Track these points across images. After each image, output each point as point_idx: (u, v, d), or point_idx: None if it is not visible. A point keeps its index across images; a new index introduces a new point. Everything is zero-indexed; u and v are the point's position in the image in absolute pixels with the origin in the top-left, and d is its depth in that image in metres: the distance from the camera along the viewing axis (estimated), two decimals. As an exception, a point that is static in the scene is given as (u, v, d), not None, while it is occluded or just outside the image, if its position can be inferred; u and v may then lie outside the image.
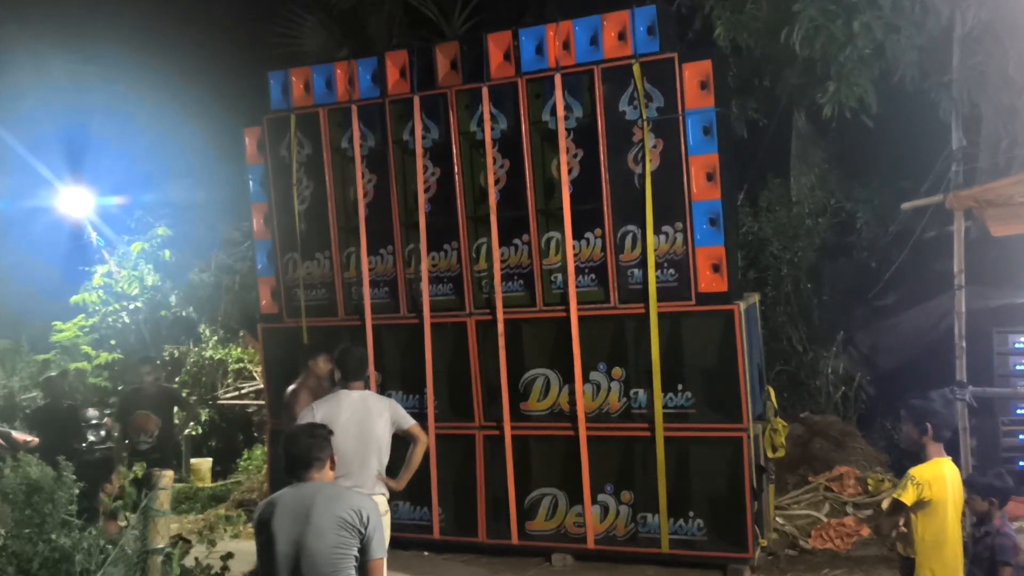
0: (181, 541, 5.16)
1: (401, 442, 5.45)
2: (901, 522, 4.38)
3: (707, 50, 7.51)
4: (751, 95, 10.79)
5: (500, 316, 7.03)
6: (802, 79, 9.60)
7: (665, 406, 6.58)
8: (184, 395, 10.03)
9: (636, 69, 6.58)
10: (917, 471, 4.22)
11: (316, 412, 5.19)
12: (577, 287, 6.83)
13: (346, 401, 5.29)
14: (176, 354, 10.70)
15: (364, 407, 5.25)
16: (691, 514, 6.56)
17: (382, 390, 7.44)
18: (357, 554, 3.65)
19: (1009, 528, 4.65)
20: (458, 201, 7.18)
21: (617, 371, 6.77)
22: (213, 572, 5.09)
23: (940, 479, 4.17)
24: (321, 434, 3.85)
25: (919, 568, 4.23)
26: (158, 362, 8.78)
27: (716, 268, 6.46)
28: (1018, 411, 7.95)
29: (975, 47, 8.06)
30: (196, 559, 5.15)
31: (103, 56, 12.45)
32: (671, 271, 6.57)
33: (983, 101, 8.23)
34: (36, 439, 7.64)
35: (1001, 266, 8.23)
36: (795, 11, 7.72)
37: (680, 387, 6.57)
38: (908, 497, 4.17)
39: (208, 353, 10.46)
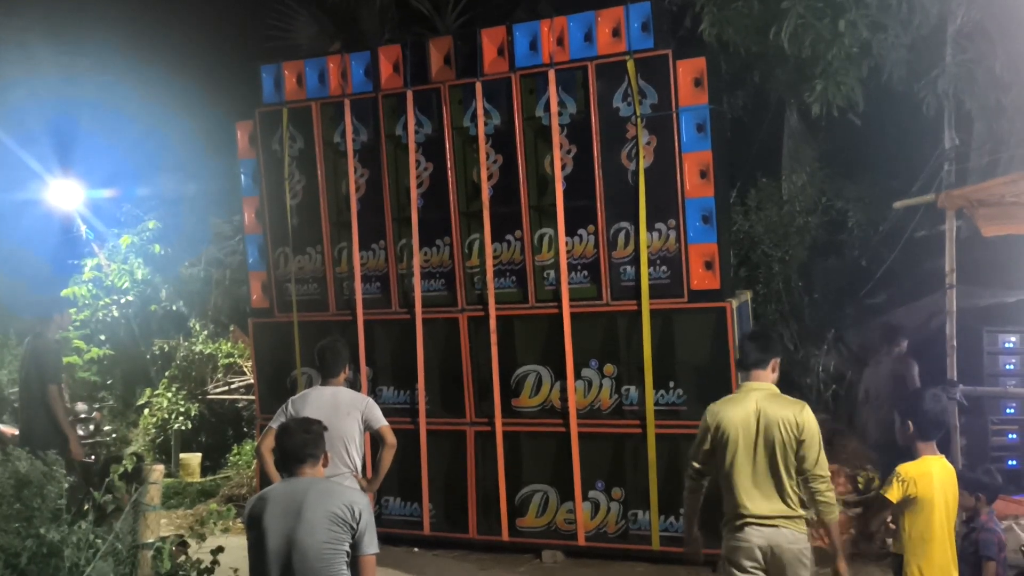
0: (177, 539, 5.15)
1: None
2: (888, 519, 4.39)
3: (700, 47, 7.52)
4: (740, 93, 10.81)
5: (492, 312, 7.02)
6: (792, 77, 9.62)
7: (657, 403, 6.59)
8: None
9: (630, 65, 6.57)
10: (903, 468, 4.22)
11: (288, 407, 5.23)
12: (569, 284, 6.82)
13: (314, 396, 5.32)
14: (166, 348, 10.64)
15: (332, 403, 5.24)
16: (682, 511, 6.55)
17: (373, 386, 7.44)
18: (349, 549, 3.64)
19: (995, 524, 4.67)
20: (451, 196, 7.17)
21: (609, 368, 6.77)
22: (203, 567, 5.08)
23: (926, 476, 4.17)
24: (316, 430, 3.84)
25: (906, 565, 4.24)
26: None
27: (709, 265, 6.47)
28: (1007, 410, 8.00)
29: (965, 44, 8.09)
30: (186, 554, 5.14)
31: (93, 48, 12.37)
32: (664, 268, 6.58)
33: (971, 99, 8.26)
34: (24, 433, 7.58)
35: (991, 266, 8.27)
36: (784, 8, 7.74)
37: (672, 384, 6.58)
38: (893, 494, 4.18)
39: (198, 348, 10.40)
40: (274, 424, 5.06)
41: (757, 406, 4.27)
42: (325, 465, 3.89)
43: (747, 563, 4.19)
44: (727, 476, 4.26)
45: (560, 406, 6.87)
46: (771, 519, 4.17)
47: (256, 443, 6.11)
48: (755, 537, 4.17)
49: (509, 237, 7.04)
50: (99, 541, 4.53)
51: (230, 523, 7.08)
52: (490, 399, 7.04)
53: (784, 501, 4.18)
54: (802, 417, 4.24)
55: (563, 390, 6.84)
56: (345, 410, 5.28)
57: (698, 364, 6.51)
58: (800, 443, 4.18)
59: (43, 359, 7.36)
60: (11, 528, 4.57)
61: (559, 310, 6.84)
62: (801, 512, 4.22)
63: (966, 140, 8.94)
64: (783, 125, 11.40)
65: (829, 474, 4.23)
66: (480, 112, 7.02)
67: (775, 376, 4.48)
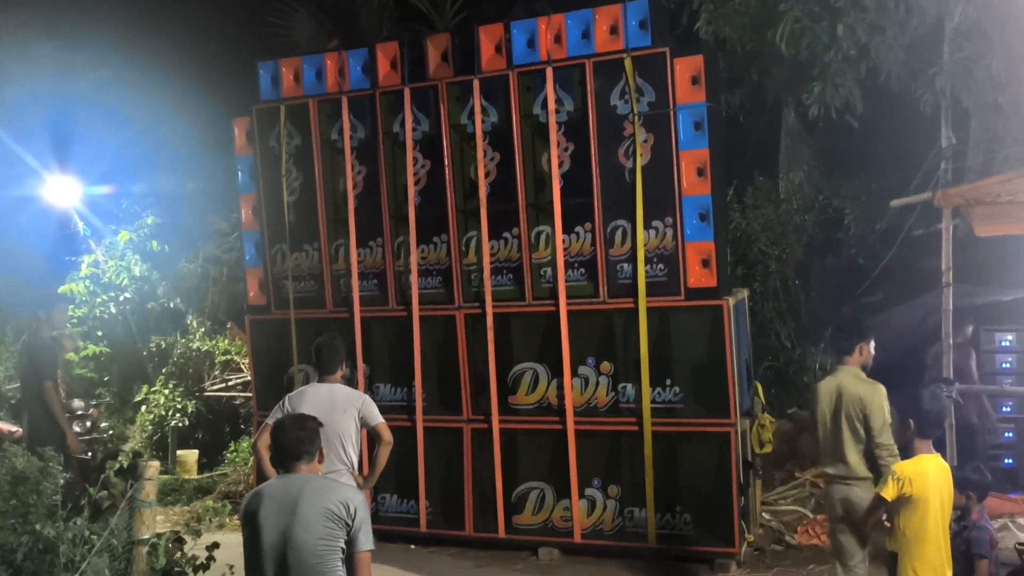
0: (173, 535, 5.15)
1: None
2: (884, 517, 4.41)
3: (698, 45, 7.52)
4: (737, 91, 10.80)
5: (489, 310, 7.03)
6: (790, 75, 9.61)
7: (653, 401, 6.60)
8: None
9: (627, 63, 6.57)
10: (899, 466, 4.25)
11: (285, 404, 5.24)
12: (566, 281, 6.83)
13: (311, 392, 5.34)
14: (163, 345, 10.63)
15: (329, 400, 5.25)
16: (678, 509, 6.58)
17: (370, 383, 7.45)
18: (344, 546, 3.64)
19: (986, 522, 4.68)
20: (448, 194, 7.17)
21: (606, 365, 6.78)
22: (198, 563, 5.08)
23: (922, 475, 4.19)
24: (311, 427, 3.85)
25: (901, 563, 4.26)
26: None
27: (705, 263, 6.47)
28: (1003, 408, 8.00)
29: (962, 43, 8.08)
30: (181, 550, 5.14)
31: (90, 44, 12.32)
32: (660, 266, 6.58)
33: (967, 97, 8.26)
34: (20, 429, 7.60)
35: (988, 264, 8.26)
36: (781, 10, 7.73)
37: (668, 382, 6.58)
38: (888, 492, 4.20)
39: (195, 344, 10.40)
40: (271, 421, 5.07)
41: (840, 385, 5.17)
42: (321, 462, 3.90)
43: (832, 513, 5.22)
44: (820, 443, 5.34)
45: (557, 404, 6.88)
46: (844, 479, 5.11)
47: (253, 440, 6.12)
48: (835, 492, 5.17)
49: (506, 235, 7.04)
50: (94, 537, 4.53)
51: (226, 519, 7.09)
52: (487, 396, 7.05)
53: (850, 464, 5.09)
54: (870, 397, 5.09)
55: (560, 388, 6.85)
56: (342, 407, 5.29)
57: (695, 362, 6.52)
58: (866, 417, 5.05)
59: (37, 356, 7.43)
60: (7, 524, 4.57)
61: (556, 308, 6.84)
62: (863, 474, 5.07)
63: (963, 139, 8.92)
64: (780, 123, 11.40)
65: (891, 443, 4.97)
66: (478, 109, 7.02)
67: (863, 358, 5.32)
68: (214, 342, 10.50)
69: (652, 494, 6.60)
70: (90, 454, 8.52)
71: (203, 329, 10.67)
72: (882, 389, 5.12)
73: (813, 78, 7.92)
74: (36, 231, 12.01)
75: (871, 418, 5.03)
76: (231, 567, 5.01)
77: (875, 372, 5.44)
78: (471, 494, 7.15)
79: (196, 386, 10.34)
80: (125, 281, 10.63)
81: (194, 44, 12.57)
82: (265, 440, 4.88)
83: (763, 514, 7.35)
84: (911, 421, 4.30)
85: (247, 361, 9.33)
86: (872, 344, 5.37)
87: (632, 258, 6.65)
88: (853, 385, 5.14)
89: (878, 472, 4.91)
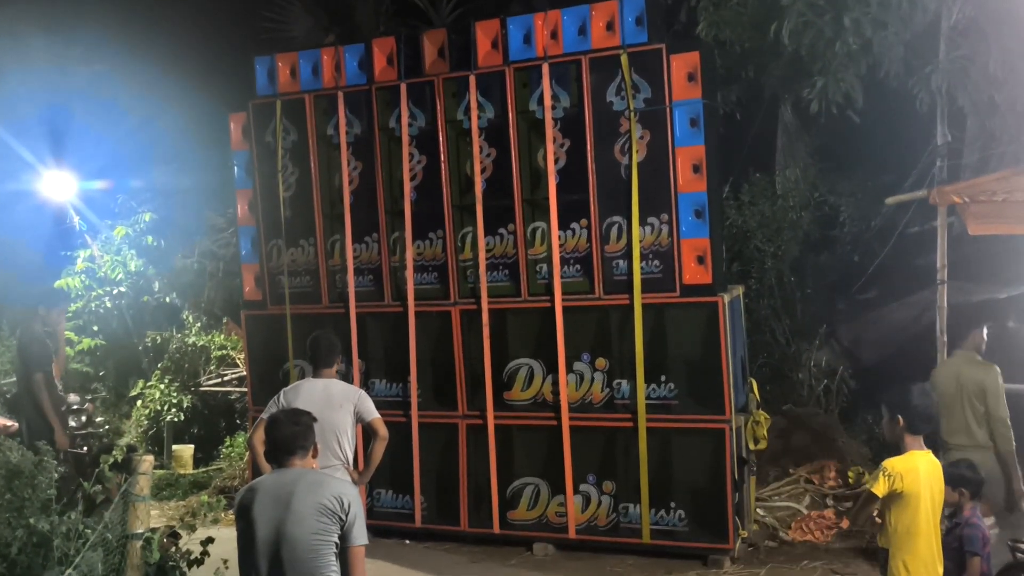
0: (168, 530, 5.15)
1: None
2: (875, 513, 4.42)
3: (694, 42, 7.52)
4: (734, 87, 10.81)
5: (485, 305, 7.03)
6: (786, 72, 9.63)
7: (648, 397, 6.60)
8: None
9: (624, 60, 6.57)
10: (890, 463, 4.26)
11: (280, 399, 5.23)
12: (562, 277, 6.83)
13: (306, 387, 5.34)
14: (159, 340, 10.63)
15: (325, 395, 5.25)
16: (673, 505, 6.60)
17: (365, 378, 7.45)
18: (338, 541, 3.65)
19: (979, 519, 4.69)
20: (444, 189, 7.17)
21: (601, 362, 6.79)
22: (193, 557, 5.08)
23: (913, 471, 4.20)
24: (305, 422, 3.85)
25: (892, 559, 4.28)
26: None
27: (701, 260, 6.48)
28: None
29: (959, 40, 8.11)
30: (176, 545, 5.15)
31: (86, 38, 12.31)
32: (656, 262, 6.59)
33: (964, 95, 8.29)
34: (16, 424, 7.60)
35: (983, 262, 8.29)
36: (784, 5, 7.75)
37: (663, 378, 6.59)
38: (880, 488, 4.21)
39: (191, 339, 10.39)
40: (266, 416, 5.07)
41: (958, 368, 5.93)
42: (315, 457, 3.90)
43: None
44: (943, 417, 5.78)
45: (552, 399, 6.89)
46: (962, 447, 5.77)
47: (248, 435, 6.13)
48: (953, 459, 5.47)
49: (502, 231, 7.04)
50: (88, 531, 4.53)
51: (221, 514, 7.09)
52: (482, 392, 7.05)
53: (969, 435, 5.82)
54: (986, 378, 5.84)
55: (555, 383, 6.86)
56: (338, 402, 5.29)
57: (690, 358, 6.53)
58: (984, 394, 5.80)
59: (27, 349, 7.48)
60: (2, 518, 4.57)
61: (551, 304, 6.85)
62: (980, 443, 5.80)
63: (959, 136, 8.96)
64: (777, 120, 11.42)
65: (1006, 418, 5.77)
66: (474, 105, 7.01)
67: (976, 343, 6.03)
68: (210, 337, 10.50)
69: (647, 490, 6.61)
70: (85, 448, 8.52)
71: (199, 324, 10.66)
72: (996, 369, 5.86)
73: (814, 73, 7.94)
74: (32, 226, 11.98)
75: (987, 395, 5.78)
76: (225, 562, 5.00)
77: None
78: (466, 489, 7.16)
79: (192, 381, 10.34)
80: (121, 276, 10.62)
81: (190, 39, 12.55)
82: (260, 435, 4.88)
83: (757, 510, 7.36)
84: (900, 417, 4.31)
85: (243, 356, 9.33)
86: (984, 330, 6.01)
87: (628, 254, 6.66)
88: (970, 367, 5.90)
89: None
